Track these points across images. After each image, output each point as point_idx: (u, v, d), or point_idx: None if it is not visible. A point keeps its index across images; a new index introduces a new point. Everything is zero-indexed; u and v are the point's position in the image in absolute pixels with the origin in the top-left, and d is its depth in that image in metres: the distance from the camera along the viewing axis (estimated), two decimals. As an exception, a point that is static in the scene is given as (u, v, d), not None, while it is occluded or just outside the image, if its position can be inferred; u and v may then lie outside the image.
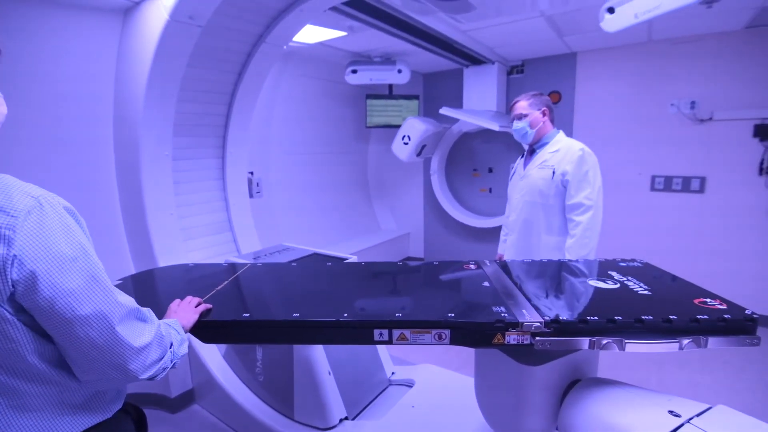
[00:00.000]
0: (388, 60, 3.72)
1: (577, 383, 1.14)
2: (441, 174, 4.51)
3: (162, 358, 0.86)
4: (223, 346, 2.37)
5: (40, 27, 2.13)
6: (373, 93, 4.34)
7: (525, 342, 1.00)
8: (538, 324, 0.98)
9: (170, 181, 2.54)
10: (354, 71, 3.63)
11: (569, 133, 3.56)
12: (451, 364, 2.46)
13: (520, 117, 2.04)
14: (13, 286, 0.65)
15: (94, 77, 2.36)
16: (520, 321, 1.00)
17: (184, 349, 0.97)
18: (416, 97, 4.38)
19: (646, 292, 1.18)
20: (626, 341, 0.93)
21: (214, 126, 2.78)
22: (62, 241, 0.68)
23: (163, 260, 2.42)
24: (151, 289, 1.60)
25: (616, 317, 0.97)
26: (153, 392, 2.45)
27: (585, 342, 0.94)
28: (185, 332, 1.03)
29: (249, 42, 2.52)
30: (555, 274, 1.53)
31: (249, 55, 2.60)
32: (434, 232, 4.88)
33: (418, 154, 4.05)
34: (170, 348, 0.90)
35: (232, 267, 1.77)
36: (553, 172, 1.97)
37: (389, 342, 1.11)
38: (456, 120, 4.07)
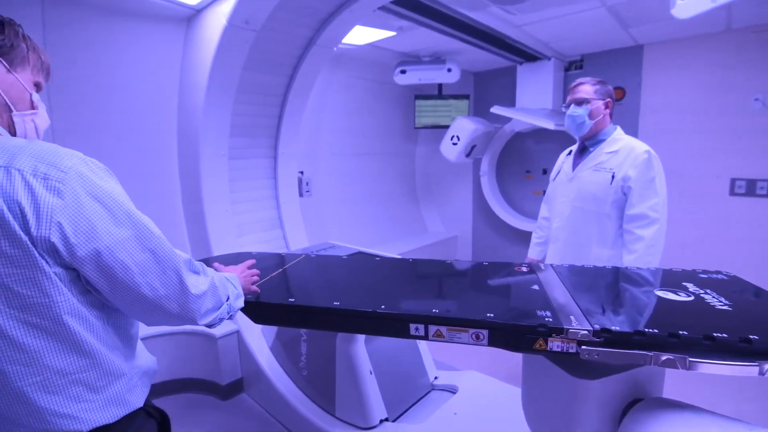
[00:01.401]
0: (437, 59, 3.67)
1: (639, 402, 1.04)
2: (491, 175, 4.37)
3: (219, 308, 0.91)
4: (270, 338, 2.45)
5: (111, 38, 2.34)
6: (422, 93, 4.31)
7: (570, 350, 0.92)
8: (586, 332, 0.90)
9: (226, 180, 2.69)
10: (403, 71, 3.62)
11: (633, 133, 3.31)
12: (498, 372, 2.36)
13: (581, 102, 1.80)
14: (61, 238, 0.65)
15: (161, 85, 2.56)
16: (565, 327, 0.93)
17: (240, 303, 1.01)
18: (466, 97, 4.28)
19: (725, 307, 1.04)
20: (691, 359, 0.83)
21: (267, 127, 2.89)
22: (110, 195, 0.71)
23: (219, 253, 2.55)
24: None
25: (680, 331, 0.86)
26: (205, 378, 2.59)
27: (640, 356, 0.85)
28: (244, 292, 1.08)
29: (300, 45, 2.60)
30: (617, 282, 1.40)
31: (300, 57, 2.68)
32: (483, 236, 4.74)
33: (468, 155, 3.96)
34: (227, 301, 0.94)
35: (288, 257, 1.88)
36: (613, 177, 1.76)
37: (425, 338, 1.11)
38: (508, 119, 3.93)
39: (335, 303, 1.22)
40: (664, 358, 0.83)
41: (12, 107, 0.78)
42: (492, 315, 1.06)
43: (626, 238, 1.77)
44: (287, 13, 2.28)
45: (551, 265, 1.54)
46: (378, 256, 2.19)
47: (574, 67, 3.81)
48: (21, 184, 0.63)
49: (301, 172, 3.25)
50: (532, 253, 2.24)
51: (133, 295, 0.74)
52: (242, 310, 1.24)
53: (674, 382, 1.25)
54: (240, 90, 2.53)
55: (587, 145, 1.91)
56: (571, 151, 2.04)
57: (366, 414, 1.90)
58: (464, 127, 3.70)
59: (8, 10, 1.54)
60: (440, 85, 4.25)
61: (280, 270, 1.67)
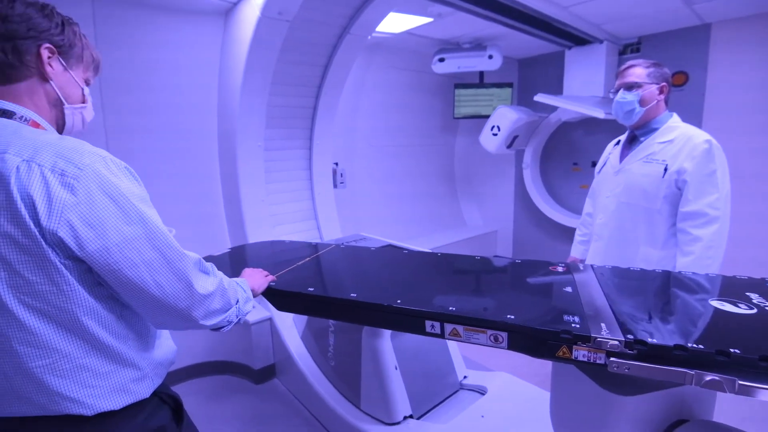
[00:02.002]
0: (478, 46, 3.52)
1: (683, 425, 0.93)
2: (535, 167, 4.16)
3: (227, 310, 0.92)
4: (301, 328, 2.48)
5: (155, 34, 2.43)
6: (462, 82, 4.16)
7: (598, 361, 0.83)
8: (616, 342, 0.80)
9: (262, 170, 2.74)
10: (441, 60, 3.51)
11: (697, 123, 3.00)
12: (532, 375, 2.24)
13: (631, 87, 1.61)
14: (71, 233, 0.67)
15: (201, 79, 2.63)
16: (592, 335, 0.83)
17: (249, 307, 1.02)
18: (509, 85, 4.08)
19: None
20: (742, 383, 0.71)
21: (302, 118, 2.91)
22: (123, 194, 0.73)
23: (254, 241, 2.61)
24: (244, 257, 1.82)
25: (732, 349, 0.74)
26: (239, 362, 2.68)
27: (680, 374, 0.74)
28: (254, 295, 1.12)
29: (334, 34, 2.58)
30: (665, 288, 1.26)
31: (334, 47, 2.66)
32: (525, 231, 4.54)
33: (509, 146, 3.78)
34: (236, 304, 0.95)
35: (318, 246, 1.90)
36: (665, 169, 1.57)
37: (441, 336, 1.06)
38: (554, 108, 3.70)
39: (352, 295, 1.22)
40: (708, 378, 0.72)
41: (64, 101, 0.84)
42: (513, 317, 0.98)
43: (680, 238, 1.58)
44: (320, 1, 2.26)
45: (592, 265, 1.41)
46: (406, 249, 2.15)
47: (630, 50, 3.50)
48: (38, 178, 0.66)
49: (336, 164, 3.24)
50: (575, 252, 2.10)
51: (140, 293, 0.76)
52: (266, 297, 1.29)
53: (728, 403, 1.11)
54: (275, 81, 2.55)
55: (638, 134, 1.73)
56: (619, 141, 1.87)
57: (390, 409, 1.87)
58: (505, 117, 3.53)
59: (60, 7, 1.64)
60: (481, 73, 4.07)
61: (307, 259, 1.68)
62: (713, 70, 3.12)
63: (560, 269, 1.40)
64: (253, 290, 1.14)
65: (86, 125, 0.92)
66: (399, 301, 1.14)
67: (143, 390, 0.82)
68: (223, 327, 0.94)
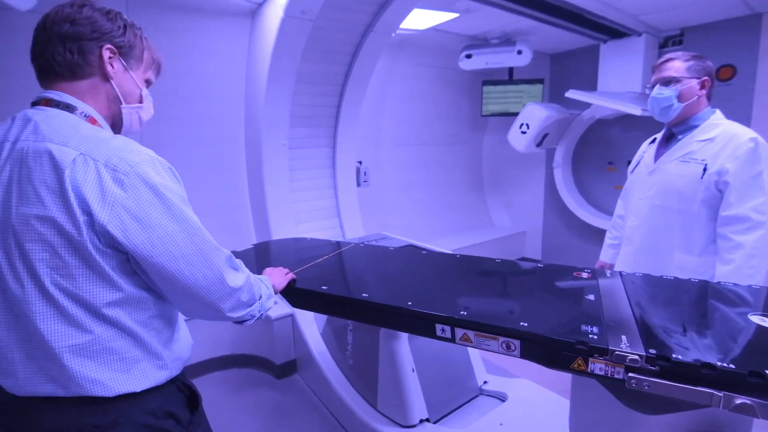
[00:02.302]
0: (506, 41, 3.41)
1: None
2: (566, 167, 4.00)
3: (251, 304, 0.96)
4: (321, 325, 2.50)
5: (186, 35, 2.50)
6: (491, 79, 4.06)
7: (616, 376, 0.77)
8: (636, 357, 0.74)
9: (286, 169, 2.77)
10: (468, 56, 3.43)
11: (745, 121, 2.78)
12: (555, 384, 2.13)
13: (668, 82, 1.50)
14: (120, 224, 0.72)
15: (230, 79, 2.70)
16: (610, 348, 0.77)
17: (271, 304, 1.06)
18: (540, 81, 3.94)
19: None
20: (776, 408, 0.64)
21: (327, 116, 2.92)
22: (167, 192, 0.77)
23: (277, 238, 2.65)
24: (267, 253, 1.89)
25: (767, 371, 0.67)
26: (261, 356, 2.73)
27: (706, 395, 0.68)
28: (274, 292, 1.15)
29: (357, 32, 2.57)
30: (701, 299, 1.17)
31: (358, 45, 2.65)
32: (555, 233, 4.38)
33: (539, 144, 3.65)
34: (259, 299, 0.99)
35: (338, 244, 1.90)
36: (704, 170, 1.45)
37: (452, 340, 1.04)
38: (588, 105, 3.54)
39: (364, 295, 1.21)
40: (738, 402, 0.65)
41: (122, 100, 0.89)
42: (526, 324, 0.93)
43: (720, 245, 1.46)
44: (342, 0, 2.25)
45: (620, 272, 1.33)
46: (425, 249, 2.11)
47: (671, 43, 3.30)
48: (93, 172, 0.71)
49: (360, 162, 3.24)
50: (605, 256, 1.99)
51: (176, 283, 0.80)
52: (282, 294, 1.31)
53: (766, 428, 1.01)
54: (299, 80, 2.57)
55: (675, 132, 1.61)
56: (655, 138, 1.75)
57: (406, 412, 1.85)
58: (534, 115, 3.41)
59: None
60: (511, 69, 3.96)
61: (325, 257, 1.68)
62: (764, 63, 2.89)
63: (585, 275, 1.33)
64: (273, 287, 1.17)
65: (143, 124, 0.96)
66: (410, 303, 1.13)
67: (162, 377, 0.85)
68: (246, 321, 0.98)
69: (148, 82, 0.96)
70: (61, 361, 0.73)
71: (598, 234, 3.83)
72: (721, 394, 0.66)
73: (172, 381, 0.89)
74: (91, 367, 0.75)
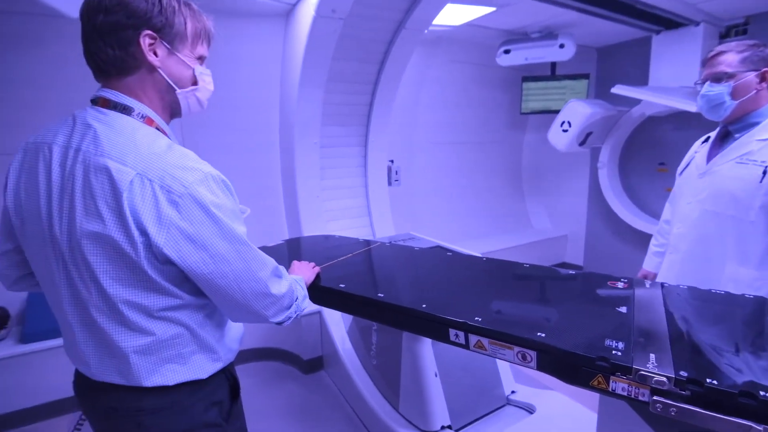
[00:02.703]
0: (548, 35, 3.25)
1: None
2: (612, 167, 3.76)
3: (290, 307, 0.98)
4: (347, 323, 2.50)
5: (224, 38, 2.59)
6: (532, 75, 3.89)
7: (640, 398, 0.69)
8: (663, 378, 0.66)
9: (318, 167, 2.80)
10: (506, 51, 3.30)
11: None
12: (588, 398, 2.01)
13: (720, 78, 1.37)
14: (174, 244, 0.74)
15: (265, 79, 2.76)
16: (634, 367, 0.70)
17: (306, 304, 1.07)
18: (585, 77, 3.73)
19: None
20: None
21: (358, 115, 2.92)
22: (219, 211, 0.78)
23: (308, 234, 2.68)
24: (298, 249, 1.93)
25: None
26: (290, 350, 2.78)
27: (743, 427, 0.58)
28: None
29: (389, 29, 2.54)
30: (755, 318, 1.04)
31: (389, 43, 2.62)
32: (599, 237, 4.13)
33: (582, 143, 3.45)
34: (296, 301, 1.01)
35: (364, 243, 1.89)
36: (765, 172, 1.30)
37: (466, 347, 1.01)
38: (638, 101, 3.30)
39: (380, 295, 1.20)
40: (783, 438, 0.56)
41: (176, 87, 0.85)
42: (543, 335, 0.87)
43: None
44: (373, -3, 2.23)
45: (662, 284, 1.21)
46: (452, 251, 2.05)
47: (734, 32, 3.00)
48: (150, 195, 0.72)
49: (391, 161, 3.21)
50: (649, 265, 1.85)
51: (226, 296, 0.83)
52: None
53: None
54: (331, 79, 2.58)
55: (731, 130, 1.45)
56: (709, 137, 1.59)
57: (427, 417, 1.80)
58: (577, 112, 3.22)
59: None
60: (553, 65, 3.77)
61: (350, 255, 1.68)
62: None
63: (620, 285, 1.22)
64: (305, 280, 1.20)
65: (204, 105, 0.93)
66: (424, 306, 1.10)
67: (215, 368, 0.91)
68: (284, 322, 1.00)
69: (201, 59, 0.89)
70: (127, 359, 0.80)
71: (647, 240, 3.56)
72: (761, 428, 0.57)
73: (222, 371, 0.94)
74: (152, 362, 0.82)
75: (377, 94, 2.84)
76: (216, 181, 0.79)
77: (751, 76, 1.34)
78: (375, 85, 2.82)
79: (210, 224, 0.76)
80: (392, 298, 1.19)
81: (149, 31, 0.78)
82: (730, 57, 1.37)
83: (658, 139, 3.58)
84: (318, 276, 1.36)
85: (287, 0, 2.43)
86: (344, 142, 2.94)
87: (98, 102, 0.80)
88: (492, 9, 2.73)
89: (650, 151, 3.64)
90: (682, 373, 0.67)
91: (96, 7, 0.75)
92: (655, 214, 3.61)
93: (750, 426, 0.58)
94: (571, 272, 1.40)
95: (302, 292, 1.07)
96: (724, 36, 3.06)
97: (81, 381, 0.89)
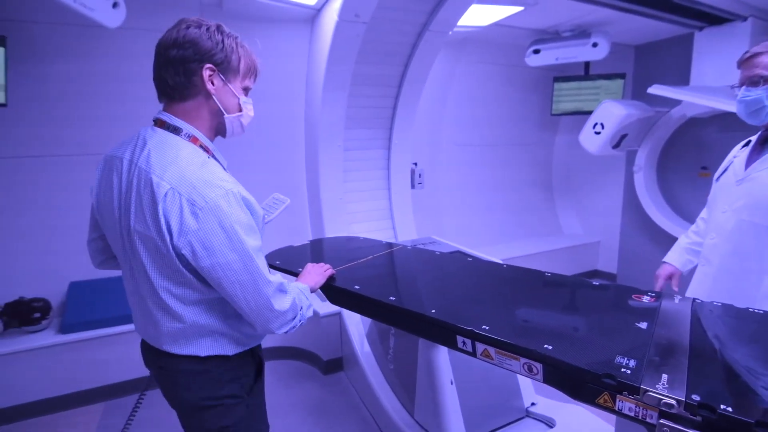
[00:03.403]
0: (580, 33, 3.13)
1: None
2: (650, 171, 3.57)
3: (294, 318, 1.06)
4: (366, 326, 2.50)
5: (248, 40, 2.66)
6: (563, 75, 3.76)
7: (648, 419, 0.65)
8: (672, 401, 0.61)
9: (341, 170, 2.83)
10: (536, 51, 3.20)
11: None
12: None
13: (756, 82, 1.31)
14: (190, 250, 0.88)
15: (291, 80, 2.82)
16: (642, 387, 0.65)
17: (310, 313, 1.15)
18: (621, 76, 3.56)
19: None
20: None
21: (382, 118, 2.92)
22: (233, 226, 0.90)
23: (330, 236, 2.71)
24: (321, 249, 1.99)
25: None
26: (310, 350, 2.81)
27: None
28: (311, 291, 1.24)
29: (413, 32, 2.53)
30: None
31: (414, 45, 2.60)
32: (634, 244, 3.93)
33: (616, 146, 3.30)
34: (300, 311, 1.09)
35: (386, 245, 1.91)
36: None
37: (473, 354, 1.00)
38: (678, 102, 3.12)
39: (391, 298, 1.20)
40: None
41: (224, 112, 1.01)
42: (550, 347, 0.83)
43: None
44: (396, 0, 2.23)
45: (694, 299, 1.13)
46: (472, 256, 2.00)
47: (788, 26, 2.78)
48: (177, 205, 0.87)
49: (415, 164, 3.19)
50: (673, 258, 1.72)
51: (235, 303, 0.96)
52: (321, 289, 1.39)
53: None
54: (354, 83, 2.60)
55: None
56: (749, 141, 1.49)
57: (442, 425, 1.77)
58: (611, 113, 3.08)
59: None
60: (587, 64, 3.63)
61: (370, 257, 1.69)
62: None
63: (646, 299, 1.15)
64: (311, 288, 1.25)
65: (244, 129, 1.09)
66: (433, 311, 1.09)
67: (237, 350, 1.06)
68: (289, 331, 1.09)
69: (246, 90, 1.06)
70: (169, 335, 0.99)
71: (686, 248, 3.36)
72: (778, 464, 0.52)
73: (248, 352, 1.10)
74: (188, 338, 1.00)
75: (401, 96, 2.83)
76: (236, 197, 0.91)
77: None
78: (399, 87, 2.81)
79: (223, 236, 0.88)
80: (403, 302, 1.19)
81: (210, 65, 0.94)
82: (767, 59, 1.28)
83: (700, 141, 3.37)
84: (333, 277, 1.38)
85: (312, 5, 2.47)
86: (368, 145, 2.95)
87: (157, 123, 0.98)
88: (520, 8, 2.67)
89: (692, 155, 3.43)
90: (694, 396, 0.62)
91: (171, 43, 0.92)
92: (695, 221, 3.40)
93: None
94: (594, 283, 1.33)
95: (307, 302, 1.12)
96: (777, 31, 2.84)
97: (144, 343, 1.11)
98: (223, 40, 0.96)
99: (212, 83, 0.96)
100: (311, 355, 2.82)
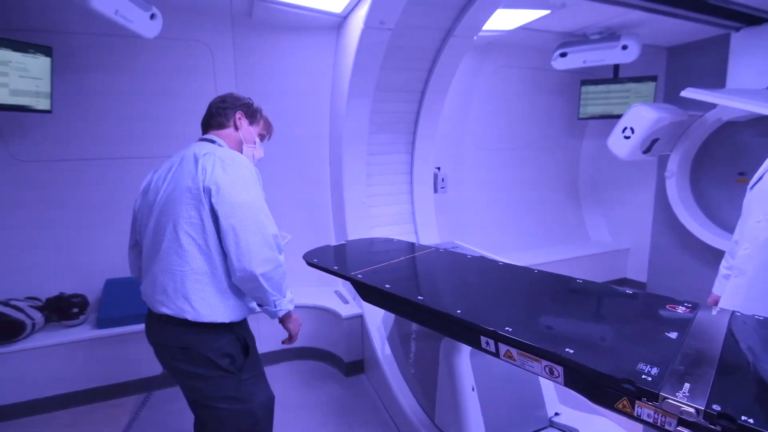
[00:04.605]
0: (609, 36, 3.07)
1: None
2: (683, 177, 3.44)
3: (276, 289, 1.32)
4: (388, 328, 2.51)
5: (280, 51, 2.75)
6: (591, 78, 3.68)
7: (667, 426, 0.64)
8: (691, 410, 0.60)
9: (364, 174, 2.86)
10: (563, 54, 3.16)
11: None
12: (636, 426, 1.85)
13: None
14: (216, 188, 1.22)
15: (317, 89, 2.89)
16: (661, 394, 0.64)
17: (290, 306, 1.40)
18: (652, 79, 3.46)
19: None
20: None
21: (405, 123, 2.95)
22: (249, 182, 1.29)
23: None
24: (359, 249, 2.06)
25: None
26: (333, 352, 2.85)
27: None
28: (281, 320, 1.45)
29: (437, 38, 2.54)
30: None
31: (438, 51, 2.62)
32: (665, 252, 3.79)
33: (646, 151, 3.20)
34: (282, 296, 1.35)
35: (421, 247, 1.98)
36: None
37: (496, 355, 1.04)
38: (713, 105, 3.01)
39: (419, 297, 1.25)
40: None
41: (244, 142, 1.48)
42: (572, 351, 0.83)
43: None
44: (420, 7, 2.25)
45: (733, 312, 1.09)
46: (499, 261, 1.99)
47: (834, 25, 2.64)
48: (211, 161, 1.25)
49: (438, 168, 3.20)
50: (718, 289, 1.68)
51: (237, 239, 1.22)
52: (354, 287, 1.53)
53: None
54: (378, 88, 2.64)
55: None
56: None
57: (462, 431, 1.76)
58: (641, 117, 2.99)
59: (207, 36, 2.28)
60: (616, 67, 3.55)
61: (402, 258, 1.77)
62: None
63: (681, 309, 1.11)
64: (292, 315, 1.46)
65: (257, 160, 1.52)
66: (459, 312, 1.12)
67: (225, 319, 1.30)
68: (266, 306, 1.36)
69: (261, 136, 1.57)
70: (179, 285, 1.25)
71: (720, 257, 3.23)
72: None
73: (232, 331, 1.35)
74: (191, 294, 1.25)
75: (424, 101, 2.85)
76: (251, 169, 1.32)
77: None
78: (422, 93, 2.83)
79: (241, 183, 1.25)
80: (432, 302, 1.22)
81: (242, 112, 1.48)
82: None
83: (737, 146, 3.23)
84: (359, 277, 1.51)
85: (338, 13, 2.53)
86: (391, 149, 2.98)
87: (202, 139, 1.43)
88: (546, 12, 2.64)
89: (728, 160, 3.29)
90: (714, 406, 0.60)
91: (220, 100, 1.48)
92: (732, 229, 3.25)
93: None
94: (627, 291, 1.30)
95: (290, 296, 1.40)
96: (822, 30, 2.70)
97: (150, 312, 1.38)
98: (251, 104, 1.51)
99: (240, 122, 1.47)
100: (333, 356, 2.85)
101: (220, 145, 1.38)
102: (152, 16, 2.12)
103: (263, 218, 1.26)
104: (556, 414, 1.92)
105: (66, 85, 2.39)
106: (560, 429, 1.86)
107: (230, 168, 1.24)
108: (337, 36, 2.73)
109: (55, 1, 2.21)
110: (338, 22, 2.65)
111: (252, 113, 1.50)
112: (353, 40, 2.41)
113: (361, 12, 2.27)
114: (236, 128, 1.45)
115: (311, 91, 2.89)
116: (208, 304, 1.26)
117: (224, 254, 1.27)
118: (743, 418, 0.57)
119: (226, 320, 1.30)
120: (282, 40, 2.74)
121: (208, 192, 1.21)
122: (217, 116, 1.44)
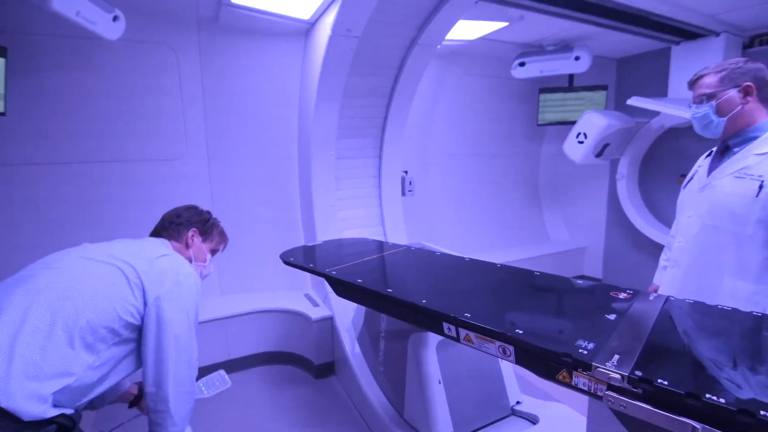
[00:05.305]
0: (563, 47, 3.27)
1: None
2: (632, 179, 3.70)
3: (179, 426, 1.24)
4: (358, 330, 2.56)
5: (247, 56, 2.77)
6: (549, 86, 3.90)
7: (598, 392, 0.73)
8: (618, 376, 0.70)
9: (333, 178, 2.91)
10: (521, 64, 3.34)
11: None
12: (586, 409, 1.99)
13: (701, 101, 1.45)
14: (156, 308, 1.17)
15: (285, 94, 2.92)
16: (594, 364, 0.73)
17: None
18: (603, 88, 3.71)
19: None
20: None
21: (373, 128, 3.02)
22: (183, 311, 1.23)
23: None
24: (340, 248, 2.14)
25: (763, 411, 0.59)
26: (303, 355, 2.86)
27: (683, 425, 0.61)
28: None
29: (402, 45, 2.64)
30: (752, 335, 1.01)
31: (403, 58, 2.71)
32: (617, 250, 4.05)
33: (598, 155, 3.43)
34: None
35: (393, 245, 2.08)
36: (761, 187, 1.30)
37: (457, 339, 1.12)
38: (656, 113, 3.27)
39: (389, 290, 1.34)
40: (718, 438, 0.59)
41: (193, 260, 1.46)
42: (521, 332, 0.92)
43: None
44: (386, 16, 2.33)
45: (668, 297, 1.22)
46: (466, 258, 2.09)
47: (758, 42, 2.94)
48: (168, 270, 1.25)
49: (405, 172, 3.29)
50: (658, 279, 1.83)
51: (160, 356, 1.18)
52: (329, 282, 1.59)
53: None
54: (346, 94, 2.70)
55: (731, 144, 1.46)
56: (712, 152, 1.60)
57: (430, 424, 1.83)
58: (593, 123, 3.21)
59: (173, 39, 2.20)
60: (571, 76, 3.78)
61: (375, 256, 1.86)
62: None
63: (622, 296, 1.23)
64: None
65: (204, 277, 1.50)
66: (424, 301, 1.20)
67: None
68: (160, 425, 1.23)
69: (213, 251, 1.55)
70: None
71: (667, 253, 3.48)
72: (699, 427, 0.60)
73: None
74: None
75: (392, 107, 2.93)
76: (189, 286, 1.26)
77: (733, 93, 1.38)
78: (389, 98, 2.92)
79: (178, 312, 1.21)
80: (400, 293, 1.31)
81: (195, 230, 1.47)
82: (709, 79, 1.43)
83: (679, 150, 3.51)
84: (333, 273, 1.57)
85: (306, 19, 2.57)
86: (359, 154, 3.04)
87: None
88: (505, 24, 2.79)
89: (671, 163, 3.57)
90: (637, 372, 0.70)
91: (175, 214, 1.48)
92: (677, 228, 3.52)
93: (692, 425, 0.61)
94: (579, 282, 1.42)
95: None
96: (748, 46, 3.01)
97: None
98: (208, 219, 1.52)
99: (192, 240, 1.46)
100: (304, 360, 2.86)
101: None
102: (115, 18, 2.10)
103: (192, 352, 1.26)
104: (518, 403, 2.02)
105: (23, 87, 2.31)
106: (521, 416, 1.97)
107: (174, 289, 1.21)
108: (305, 41, 2.77)
109: (12, 1, 2.14)
110: (306, 29, 2.70)
111: (207, 230, 1.50)
112: (321, 46, 2.46)
113: (329, 19, 2.33)
114: (187, 246, 1.45)
115: (280, 91, 2.91)
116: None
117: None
118: (659, 381, 0.67)
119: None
120: (250, 43, 2.76)
121: (142, 308, 1.18)
122: (170, 230, 1.43)
